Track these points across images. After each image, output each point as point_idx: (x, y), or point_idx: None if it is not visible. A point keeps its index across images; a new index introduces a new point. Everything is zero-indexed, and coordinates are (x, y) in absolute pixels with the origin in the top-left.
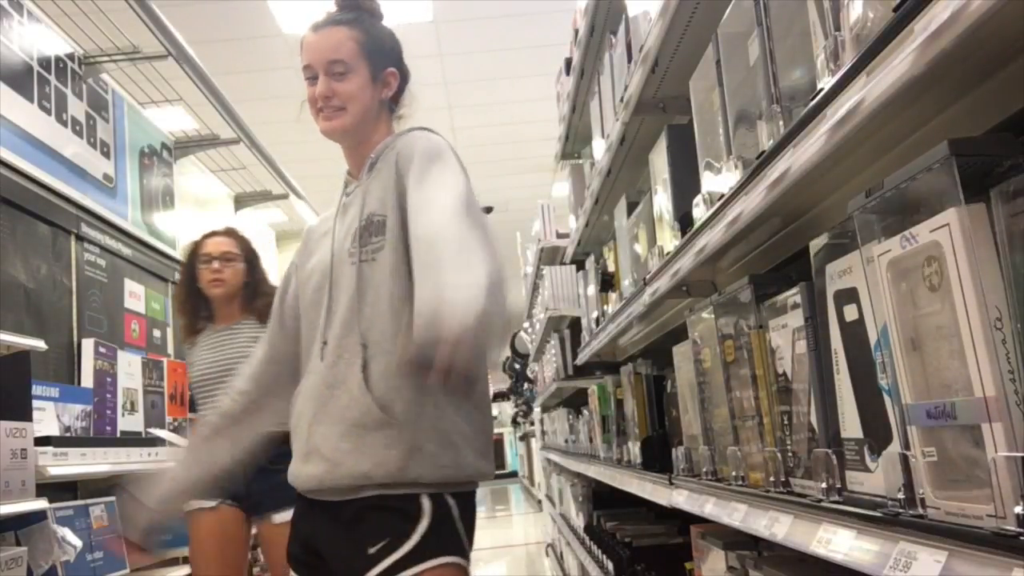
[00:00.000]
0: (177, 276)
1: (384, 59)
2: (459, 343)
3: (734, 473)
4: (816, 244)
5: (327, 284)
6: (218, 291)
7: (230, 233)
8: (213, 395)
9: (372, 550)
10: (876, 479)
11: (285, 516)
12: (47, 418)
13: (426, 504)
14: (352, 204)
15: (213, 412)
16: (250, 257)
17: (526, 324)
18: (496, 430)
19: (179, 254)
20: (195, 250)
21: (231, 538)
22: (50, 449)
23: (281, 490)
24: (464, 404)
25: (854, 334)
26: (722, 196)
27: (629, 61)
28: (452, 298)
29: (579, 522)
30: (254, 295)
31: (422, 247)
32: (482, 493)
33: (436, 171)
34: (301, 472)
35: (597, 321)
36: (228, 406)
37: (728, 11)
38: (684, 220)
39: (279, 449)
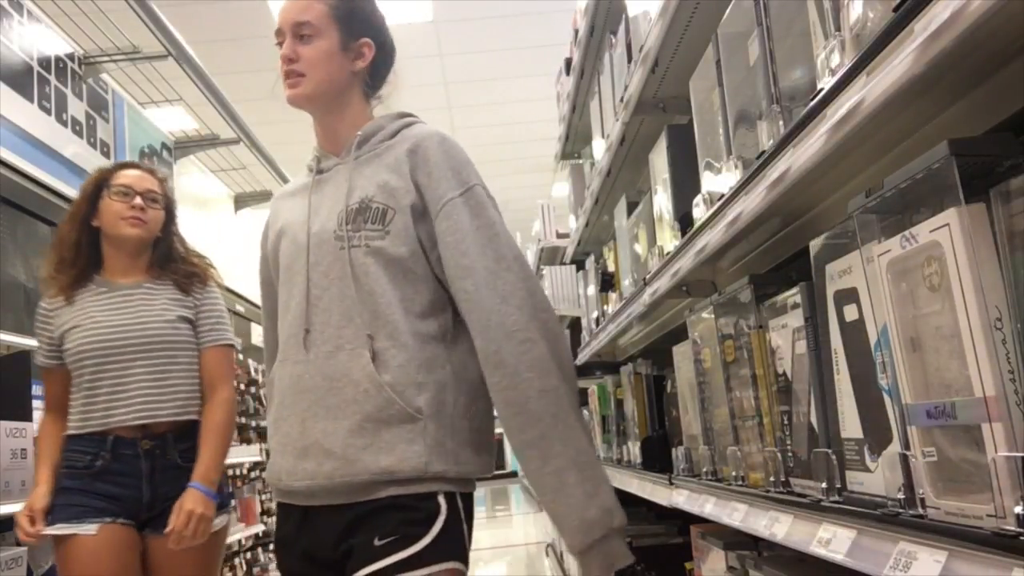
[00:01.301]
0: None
1: (358, 28)
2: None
3: (734, 473)
4: (816, 244)
5: (303, 265)
6: (135, 232)
7: (153, 172)
8: (119, 367)
9: (379, 542)
10: (876, 479)
11: None
12: None
13: (443, 504)
14: (331, 182)
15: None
16: (171, 208)
17: None
18: (496, 430)
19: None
20: (105, 179)
21: (125, 567)
22: None
23: None
24: (477, 402)
25: (854, 334)
26: (722, 196)
27: (629, 61)
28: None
29: None
30: (168, 256)
31: (502, 374)
32: (481, 493)
33: (470, 211)
34: (296, 468)
35: (597, 321)
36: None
37: (728, 11)
38: (684, 220)
39: (192, 442)
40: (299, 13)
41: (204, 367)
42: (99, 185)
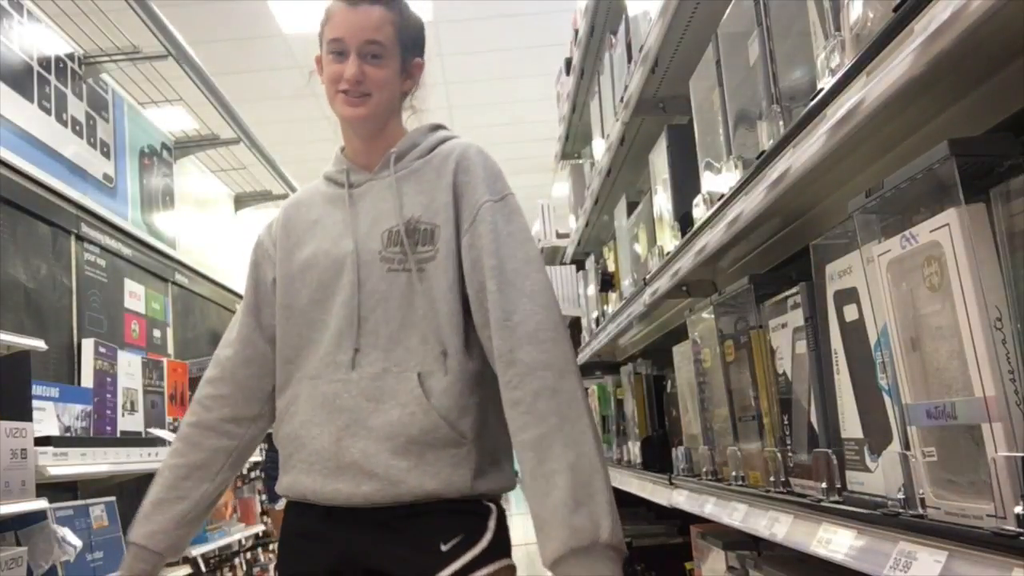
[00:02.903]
0: (177, 276)
1: (414, 49)
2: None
3: (734, 473)
4: (816, 244)
5: (344, 284)
6: None
7: None
8: None
9: (446, 547)
10: (876, 479)
11: None
12: (47, 418)
13: (492, 506)
14: (367, 199)
15: (185, 425)
16: None
17: None
18: None
19: (179, 254)
20: None
21: None
22: (50, 449)
23: None
24: (503, 419)
25: (854, 334)
26: (722, 196)
27: (629, 61)
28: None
29: None
30: None
31: (514, 372)
32: None
33: (504, 216)
34: (326, 487)
35: (597, 321)
36: (203, 416)
37: (728, 11)
38: (684, 220)
39: None
40: (371, 32)
41: None
42: None
